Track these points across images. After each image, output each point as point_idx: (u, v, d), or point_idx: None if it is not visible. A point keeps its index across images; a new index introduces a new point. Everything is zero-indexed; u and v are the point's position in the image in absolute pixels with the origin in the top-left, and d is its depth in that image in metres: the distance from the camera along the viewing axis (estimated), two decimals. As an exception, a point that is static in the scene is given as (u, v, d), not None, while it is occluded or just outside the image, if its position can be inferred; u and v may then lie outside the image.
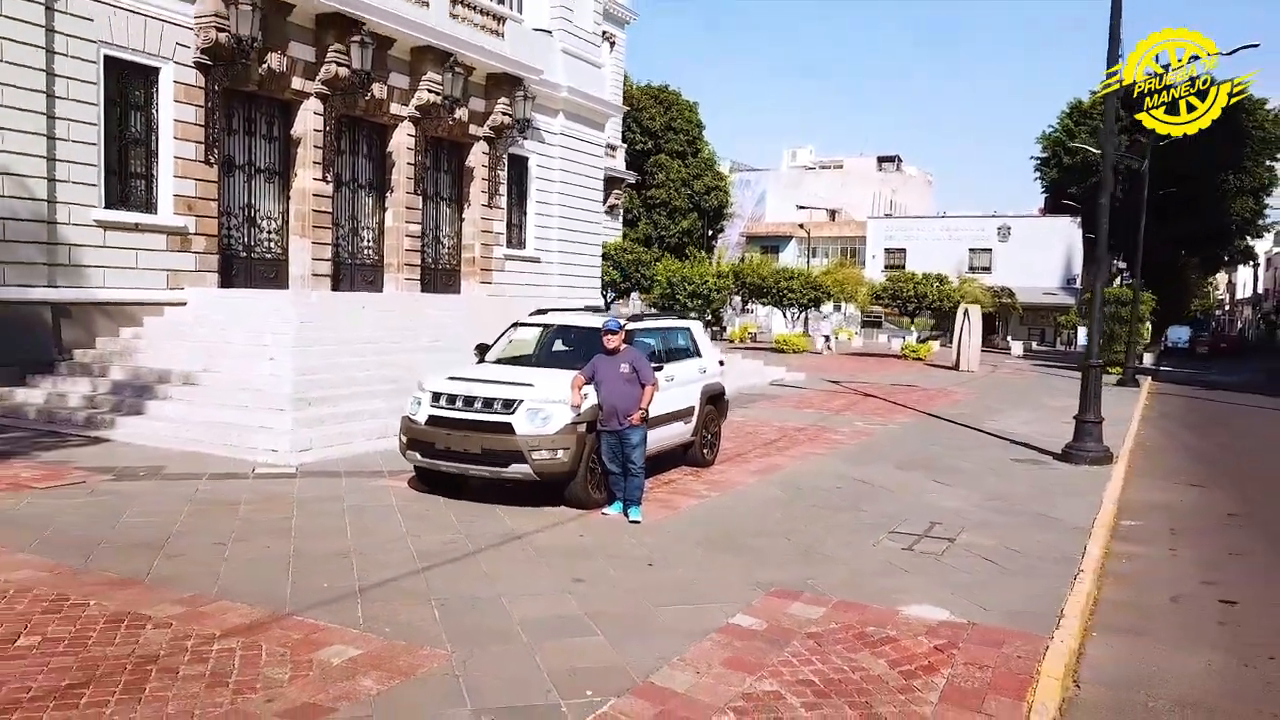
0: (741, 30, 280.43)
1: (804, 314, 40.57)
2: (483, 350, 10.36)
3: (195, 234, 16.51)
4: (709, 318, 39.64)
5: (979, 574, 7.39)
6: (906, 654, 5.59)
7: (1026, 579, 7.30)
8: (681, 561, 7.38)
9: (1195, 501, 11.47)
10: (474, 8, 21.77)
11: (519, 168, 25.01)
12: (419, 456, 8.89)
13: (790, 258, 71.25)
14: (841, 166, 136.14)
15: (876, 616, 6.22)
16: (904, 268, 68.30)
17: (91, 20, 14.68)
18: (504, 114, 22.92)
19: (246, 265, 18.04)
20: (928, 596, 6.68)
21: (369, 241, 20.86)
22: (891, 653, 5.60)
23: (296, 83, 18.02)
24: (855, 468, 11.80)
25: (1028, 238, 64.28)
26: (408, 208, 21.14)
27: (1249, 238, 70.14)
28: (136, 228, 15.57)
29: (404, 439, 9.04)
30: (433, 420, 8.74)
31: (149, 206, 15.97)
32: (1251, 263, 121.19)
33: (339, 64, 18.31)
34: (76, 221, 14.67)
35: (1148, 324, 35.77)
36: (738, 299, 49.27)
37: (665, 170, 48.08)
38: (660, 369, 9.54)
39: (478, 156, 23.10)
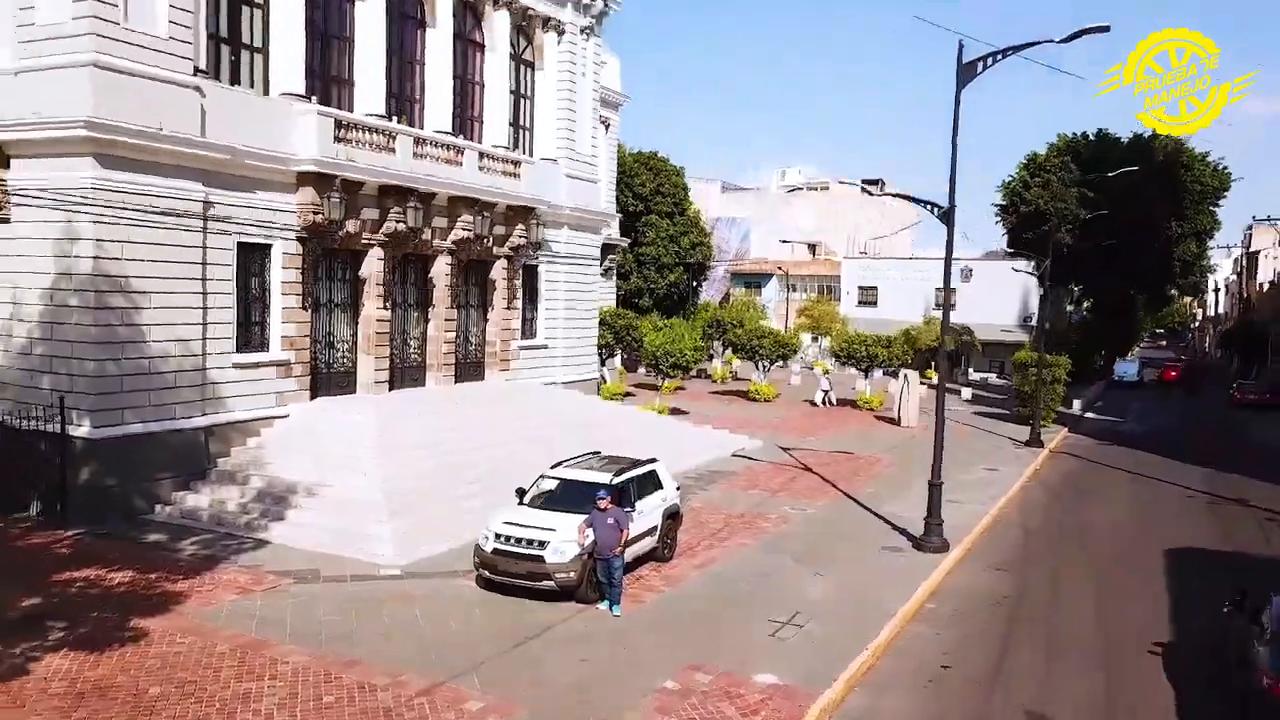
0: (734, 50, 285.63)
1: (773, 364, 46.09)
2: (521, 493, 16.02)
3: (294, 363, 22.22)
4: (693, 373, 45.29)
5: (806, 650, 13.10)
6: (747, 705, 11.29)
7: (830, 652, 13.01)
8: (641, 643, 13.08)
9: (989, 585, 17.18)
10: (496, 159, 27.45)
11: (531, 274, 30.72)
12: (488, 574, 14.61)
13: (772, 293, 77.01)
14: (828, 188, 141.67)
15: (739, 681, 11.93)
16: (876, 304, 74.28)
17: (230, 218, 20.36)
18: (520, 237, 28.66)
19: (327, 378, 23.74)
20: (771, 667, 12.39)
21: (415, 348, 26.56)
22: (740, 704, 11.30)
23: (365, 237, 23.72)
24: (766, 558, 17.51)
25: (989, 279, 69.99)
26: (445, 319, 26.84)
27: (1192, 276, 76.03)
28: (256, 365, 21.26)
29: (477, 560, 14.75)
30: (495, 551, 14.45)
31: (264, 346, 21.66)
32: (1213, 287, 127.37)
33: (397, 221, 24.02)
34: (218, 365, 20.35)
35: (1062, 386, 41.28)
36: (718, 344, 55.00)
37: (655, 229, 53.78)
38: (632, 510, 15.24)
39: (499, 271, 28.81)
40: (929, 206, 20.67)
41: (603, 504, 14.21)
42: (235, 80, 21.17)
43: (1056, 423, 41.24)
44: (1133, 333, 75.80)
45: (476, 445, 22.02)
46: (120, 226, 18.01)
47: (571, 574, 14.15)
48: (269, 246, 21.45)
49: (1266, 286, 78.92)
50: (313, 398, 22.87)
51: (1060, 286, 67.98)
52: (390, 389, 25.17)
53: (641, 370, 46.51)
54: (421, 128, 26.27)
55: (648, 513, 16.14)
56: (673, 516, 17.20)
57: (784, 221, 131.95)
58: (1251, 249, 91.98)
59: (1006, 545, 20.28)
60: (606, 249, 43.31)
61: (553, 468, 16.55)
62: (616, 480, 15.53)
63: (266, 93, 21.76)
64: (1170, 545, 20.51)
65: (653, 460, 17.32)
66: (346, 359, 24.27)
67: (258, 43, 21.69)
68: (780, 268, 76.67)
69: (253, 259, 21.21)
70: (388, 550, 16.52)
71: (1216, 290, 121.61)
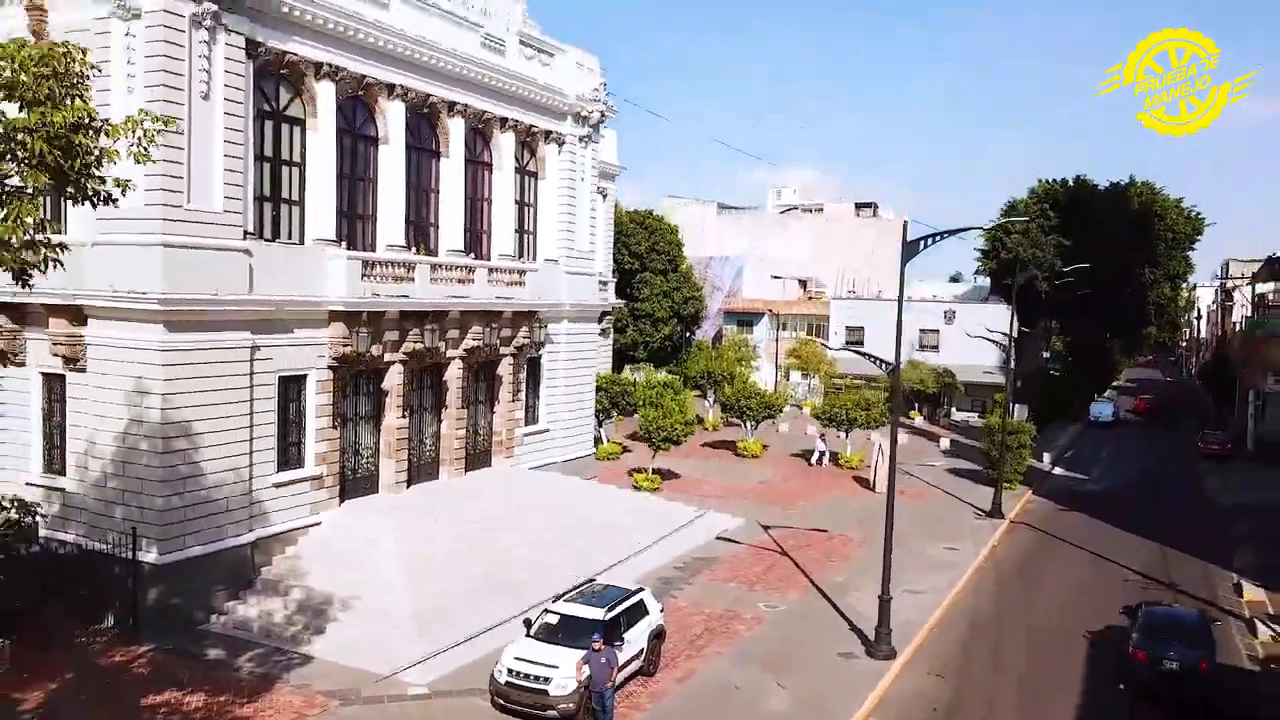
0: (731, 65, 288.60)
1: (761, 422, 48.91)
2: (528, 624, 18.93)
3: (326, 475, 25.17)
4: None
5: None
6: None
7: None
8: (628, 766, 16.02)
9: (929, 691, 20.12)
10: (504, 271, 30.40)
11: (534, 365, 33.69)
12: (501, 701, 17.55)
13: (763, 332, 79.90)
14: (822, 209, 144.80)
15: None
16: (862, 343, 76.96)
17: (272, 358, 23.31)
18: (525, 338, 31.63)
19: (353, 482, 26.68)
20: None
21: (429, 446, 29.50)
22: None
23: (387, 357, 26.67)
24: (737, 671, 20.42)
25: (971, 321, 72.90)
26: (457, 418, 29.80)
27: (1167, 317, 79.23)
28: (293, 481, 24.21)
29: (491, 689, 17.70)
30: (507, 683, 17.39)
31: (300, 463, 24.60)
32: (1196, 314, 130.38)
33: (415, 341, 26.97)
34: (262, 485, 23.29)
35: (1029, 449, 44.16)
36: (710, 394, 57.92)
37: (649, 286, 56.77)
38: (622, 643, 18.19)
39: (505, 368, 31.77)
40: (878, 362, 23.60)
41: (597, 645, 17.12)
42: (276, 232, 24.14)
43: (1024, 482, 44.16)
44: (1109, 374, 78.80)
45: (488, 549, 24.92)
46: (183, 379, 20.95)
47: (571, 704, 17.09)
48: (305, 376, 24.39)
49: (1239, 325, 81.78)
50: (340, 502, 25.82)
51: (1037, 331, 71.02)
52: (408, 485, 28.13)
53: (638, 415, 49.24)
54: (436, 248, 29.29)
55: (635, 640, 19.07)
56: (658, 636, 20.15)
57: (779, 243, 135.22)
58: (1229, 284, 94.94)
59: (950, 644, 23.17)
60: (603, 312, 46.27)
61: (554, 601, 19.48)
62: (608, 616, 18.46)
63: (302, 240, 24.73)
64: (1099, 641, 23.48)
65: (640, 590, 20.28)
66: (369, 464, 27.22)
67: (295, 197, 24.66)
68: (771, 309, 79.57)
69: (290, 388, 24.15)
70: (416, 668, 19.43)
71: (1199, 318, 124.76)
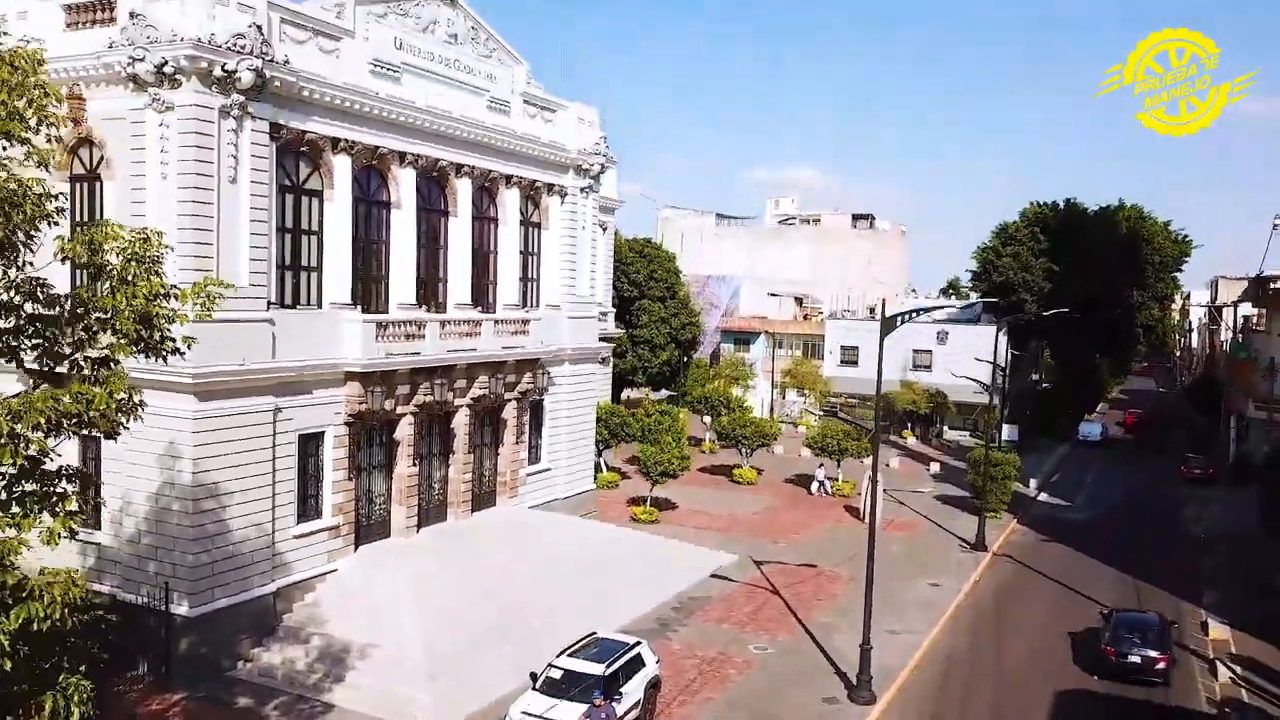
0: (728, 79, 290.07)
1: (755, 450, 50.51)
2: (534, 678, 20.51)
3: (342, 524, 26.74)
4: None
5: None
6: None
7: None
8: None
9: (904, 739, 21.72)
10: (508, 322, 31.97)
11: (537, 408, 35.25)
12: (512, 750, 19.21)
13: (760, 350, 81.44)
14: (819, 221, 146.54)
15: None
16: (857, 364, 78.64)
17: (293, 418, 24.87)
18: (529, 383, 33.19)
19: (366, 529, 28.24)
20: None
21: (438, 490, 31.06)
22: None
23: (398, 410, 28.22)
24: (728, 717, 22.02)
25: (963, 340, 74.44)
26: (464, 462, 31.36)
27: (1155, 337, 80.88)
28: (312, 532, 25.78)
29: (502, 740, 19.32)
30: (516, 736, 19.05)
31: (318, 514, 26.17)
32: (1188, 326, 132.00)
33: (426, 394, 28.54)
34: (283, 537, 24.86)
35: (1013, 479, 45.70)
36: (708, 418, 59.53)
37: (648, 313, 58.34)
38: (620, 696, 19.77)
39: (509, 412, 33.32)
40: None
41: (598, 702, 18.70)
42: (296, 299, 25.69)
43: (1010, 509, 45.73)
44: (1098, 394, 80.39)
45: (496, 594, 26.46)
46: (212, 444, 22.52)
47: (575, 755, 18.74)
48: (323, 433, 25.96)
49: (1226, 345, 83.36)
50: (355, 548, 27.39)
51: (1027, 353, 72.58)
52: (418, 529, 29.71)
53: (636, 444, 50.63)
54: (445, 302, 30.87)
55: (633, 691, 20.65)
56: (654, 686, 21.73)
57: (777, 254, 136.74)
58: (1217, 301, 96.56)
59: (928, 688, 24.75)
60: (603, 340, 47.83)
61: (558, 656, 21.06)
62: (608, 671, 20.05)
63: (320, 304, 26.27)
64: (1062, 687, 25.07)
65: (637, 643, 21.86)
66: (382, 510, 28.79)
67: (313, 263, 26.20)
68: (768, 331, 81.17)
69: (309, 444, 25.71)
70: (431, 715, 21.00)
71: (1190, 330, 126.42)
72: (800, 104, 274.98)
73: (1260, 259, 75.50)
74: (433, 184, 30.17)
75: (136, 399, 12.30)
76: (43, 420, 10.66)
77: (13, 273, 11.71)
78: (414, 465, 29.11)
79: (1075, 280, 68.53)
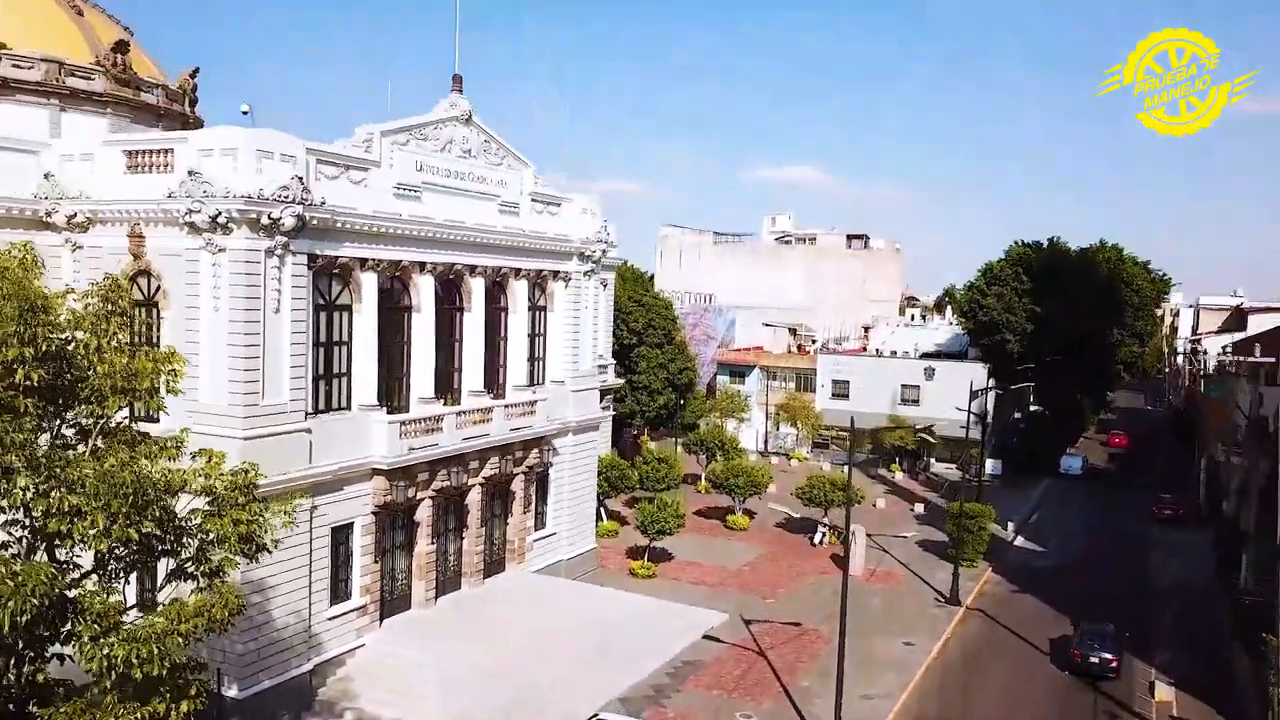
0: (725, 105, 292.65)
1: (748, 497, 53.42)
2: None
3: (369, 604, 29.67)
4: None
5: None
6: None
7: None
8: None
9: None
10: (518, 405, 34.88)
11: (542, 477, 38.18)
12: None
13: (755, 383, 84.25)
14: (815, 240, 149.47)
15: None
16: (848, 397, 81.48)
17: (327, 514, 27.80)
18: (535, 459, 36.12)
19: (390, 603, 31.17)
20: None
21: (453, 561, 33.99)
22: None
23: (419, 495, 31.14)
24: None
25: (948, 377, 77.31)
26: (476, 535, 34.30)
27: (1135, 372, 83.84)
28: (343, 613, 28.71)
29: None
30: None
31: (348, 595, 29.10)
32: (1177, 348, 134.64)
33: (443, 481, 31.46)
34: (318, 620, 27.79)
35: (988, 531, 48.52)
36: (704, 456, 62.46)
37: (646, 360, 61.27)
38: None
39: (518, 485, 36.25)
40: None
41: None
42: (328, 404, 28.57)
43: (986, 555, 48.65)
44: (1079, 428, 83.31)
45: (508, 662, 29.40)
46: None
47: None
48: (352, 524, 28.88)
49: (1203, 376, 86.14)
50: (380, 622, 30.31)
51: (1010, 391, 75.35)
52: (436, 598, 32.64)
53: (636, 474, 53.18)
54: (460, 388, 33.79)
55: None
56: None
57: (774, 273, 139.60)
58: (1199, 329, 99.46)
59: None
60: (604, 392, 50.74)
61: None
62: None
63: (349, 406, 29.16)
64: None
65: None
66: (404, 584, 31.73)
67: (343, 370, 29.09)
68: (762, 364, 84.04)
69: (340, 534, 28.63)
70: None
71: (1176, 353, 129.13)
72: (800, 103, 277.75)
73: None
74: (449, 285, 33.06)
75: (239, 603, 15.22)
76: (181, 630, 13.64)
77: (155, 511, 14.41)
78: (432, 543, 32.05)
79: (1057, 322, 71.46)
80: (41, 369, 13.77)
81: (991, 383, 74.09)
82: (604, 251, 39.61)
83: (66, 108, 37.62)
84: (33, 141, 27.94)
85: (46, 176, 26.91)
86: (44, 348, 13.82)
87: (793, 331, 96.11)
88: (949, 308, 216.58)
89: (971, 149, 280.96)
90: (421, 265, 31.09)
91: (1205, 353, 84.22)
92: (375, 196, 28.84)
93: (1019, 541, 54.45)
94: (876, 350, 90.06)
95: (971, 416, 71.19)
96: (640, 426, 62.74)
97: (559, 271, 38.11)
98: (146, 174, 26.26)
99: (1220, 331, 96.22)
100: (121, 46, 39.21)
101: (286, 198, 24.96)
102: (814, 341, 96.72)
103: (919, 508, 60.88)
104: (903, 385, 79.04)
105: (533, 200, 36.22)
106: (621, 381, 56.46)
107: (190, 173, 24.49)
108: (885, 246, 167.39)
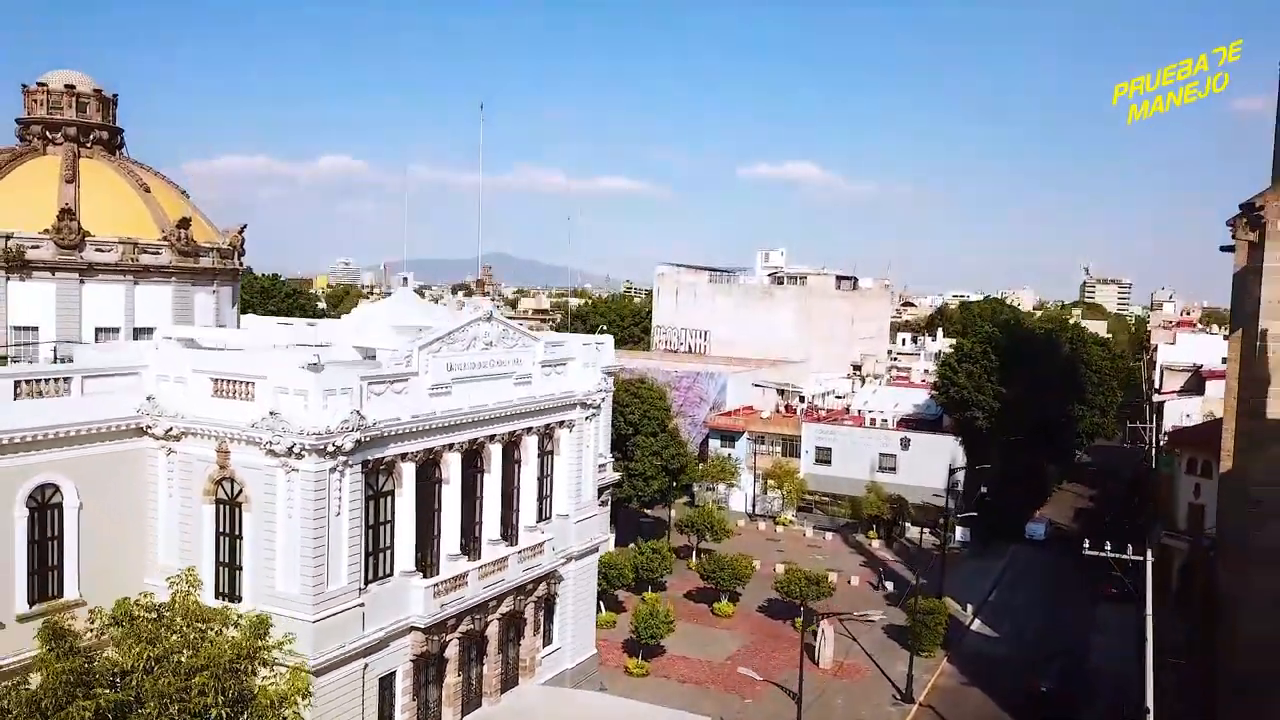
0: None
1: (735, 590, 59.37)
2: None
3: (408, 735, 35.62)
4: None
5: None
6: None
7: None
8: None
9: None
10: (530, 549, 40.79)
11: (549, 602, 44.14)
12: None
13: (743, 448, 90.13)
14: (805, 280, 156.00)
15: None
16: (830, 463, 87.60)
17: (375, 669, 33.73)
18: (544, 590, 42.10)
19: (424, 729, 37.11)
20: None
21: (475, 684, 39.88)
22: None
23: (448, 638, 37.06)
24: None
25: (923, 448, 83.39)
26: (494, 661, 40.21)
27: (1100, 438, 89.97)
28: (388, 746, 34.66)
29: None
30: None
31: (391, 731, 35.04)
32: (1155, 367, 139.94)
33: (467, 626, 37.41)
34: (368, 755, 33.71)
35: (944, 624, 54.44)
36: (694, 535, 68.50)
37: (641, 449, 67.19)
38: None
39: (529, 613, 42.15)
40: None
41: None
42: (375, 574, 34.47)
43: (944, 643, 54.67)
44: (1044, 496, 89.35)
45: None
46: (323, 704, 31.35)
47: None
48: (394, 673, 34.81)
49: (1158, 447, 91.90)
50: (416, 749, 36.25)
51: (978, 462, 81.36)
52: (463, 718, 38.60)
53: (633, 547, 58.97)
54: (480, 537, 39.69)
55: None
56: None
57: (765, 313, 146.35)
58: (1162, 388, 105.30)
59: None
60: (602, 488, 56.61)
61: None
62: None
63: (391, 572, 35.08)
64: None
65: None
66: (435, 712, 37.63)
67: (386, 544, 34.99)
68: (751, 430, 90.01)
69: (385, 682, 34.54)
70: None
71: (1154, 405, 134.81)
72: (800, 102, 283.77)
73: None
74: (471, 454, 38.96)
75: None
76: None
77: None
78: (459, 674, 38.00)
79: (1023, 402, 77.53)
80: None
81: (962, 461, 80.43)
82: (603, 399, 45.52)
83: (139, 281, 43.83)
84: (134, 366, 33.63)
85: (149, 399, 32.77)
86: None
87: (781, 392, 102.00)
88: (940, 329, 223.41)
89: (971, 148, 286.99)
90: (450, 446, 37.00)
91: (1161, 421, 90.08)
92: (414, 401, 34.72)
93: (976, 625, 60.48)
94: (859, 411, 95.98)
95: (944, 483, 77.35)
96: (636, 508, 68.72)
97: (564, 421, 44.04)
98: (231, 399, 32.13)
99: (1182, 392, 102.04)
100: (184, 223, 45.31)
101: (347, 428, 30.89)
102: (801, 400, 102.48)
103: (889, 585, 66.83)
104: (881, 454, 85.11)
105: (542, 366, 42.11)
106: (619, 475, 62.28)
107: (271, 413, 30.40)
108: (875, 285, 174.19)
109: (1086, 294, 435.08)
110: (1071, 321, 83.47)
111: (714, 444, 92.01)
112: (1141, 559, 34.70)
